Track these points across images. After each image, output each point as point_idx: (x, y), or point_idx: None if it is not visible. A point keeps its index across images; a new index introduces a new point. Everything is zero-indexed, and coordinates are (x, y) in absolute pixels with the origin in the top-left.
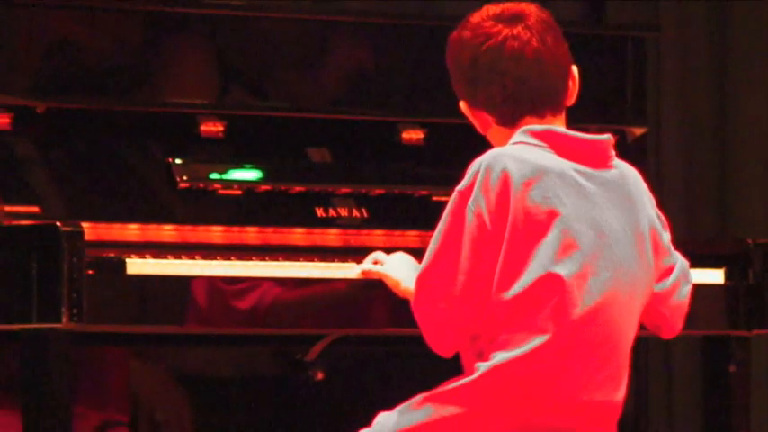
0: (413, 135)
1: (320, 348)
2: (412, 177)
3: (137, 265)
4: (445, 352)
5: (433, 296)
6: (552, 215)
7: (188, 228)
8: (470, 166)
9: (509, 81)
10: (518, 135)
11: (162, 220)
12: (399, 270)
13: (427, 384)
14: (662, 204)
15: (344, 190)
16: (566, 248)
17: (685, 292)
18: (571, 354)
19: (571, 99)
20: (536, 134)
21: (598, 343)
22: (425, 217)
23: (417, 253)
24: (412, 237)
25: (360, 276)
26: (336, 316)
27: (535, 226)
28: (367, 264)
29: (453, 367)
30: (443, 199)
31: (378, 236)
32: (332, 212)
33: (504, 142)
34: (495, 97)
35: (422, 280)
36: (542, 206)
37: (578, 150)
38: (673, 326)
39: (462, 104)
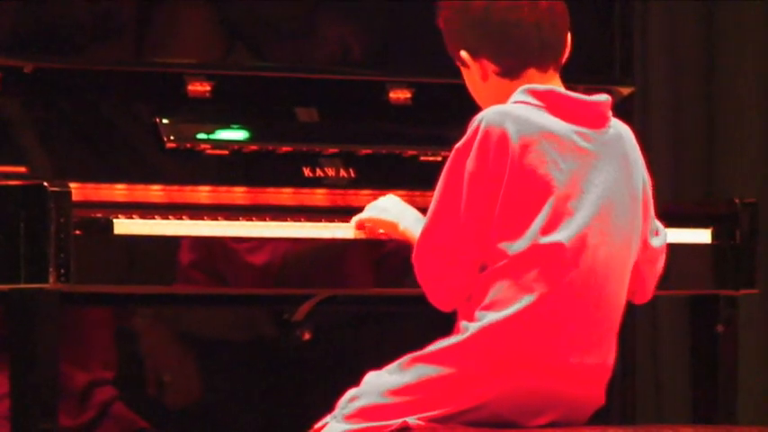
0: (400, 95)
1: (308, 308)
2: (399, 137)
3: (124, 226)
4: (447, 306)
5: (435, 254)
6: (549, 178)
7: (175, 188)
8: (470, 124)
9: (524, 28)
10: (519, 94)
11: (149, 180)
12: (394, 213)
13: (415, 344)
14: (649, 164)
15: (332, 150)
16: (563, 214)
17: (663, 261)
18: (561, 315)
19: (566, 56)
20: (537, 94)
21: (590, 306)
22: (413, 177)
23: None
24: (399, 196)
25: (354, 227)
26: (324, 276)
27: (532, 189)
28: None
29: (442, 327)
30: (431, 159)
31: (365, 195)
32: (319, 172)
33: (501, 96)
34: (506, 44)
35: (424, 240)
36: (540, 169)
37: (578, 112)
38: (648, 291)
39: (464, 53)
